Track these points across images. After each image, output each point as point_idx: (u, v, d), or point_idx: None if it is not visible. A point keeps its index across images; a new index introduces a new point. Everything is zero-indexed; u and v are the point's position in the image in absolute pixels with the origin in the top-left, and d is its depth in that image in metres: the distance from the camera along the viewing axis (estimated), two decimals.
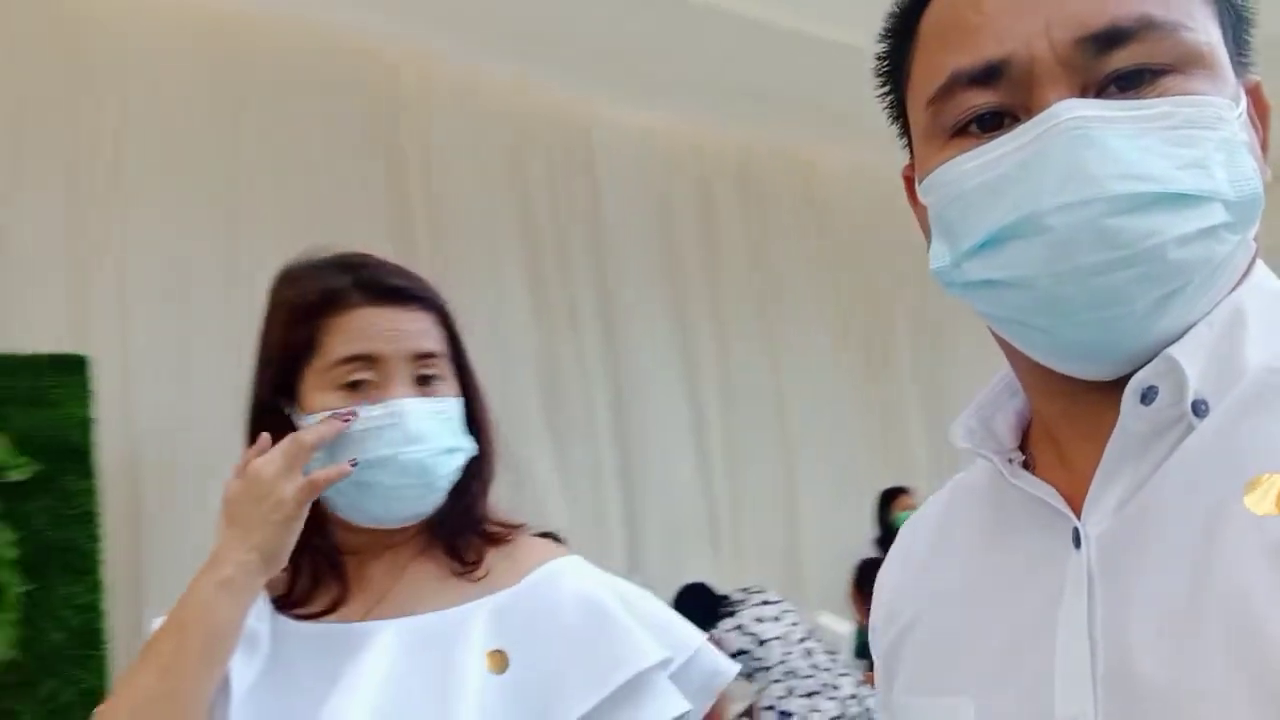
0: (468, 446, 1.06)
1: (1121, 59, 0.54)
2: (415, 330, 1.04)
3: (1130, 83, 0.54)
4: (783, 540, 5.05)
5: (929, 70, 0.61)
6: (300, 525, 0.96)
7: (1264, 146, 0.59)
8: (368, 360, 1.01)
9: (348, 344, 1.01)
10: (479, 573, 1.06)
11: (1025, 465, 0.65)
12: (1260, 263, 0.59)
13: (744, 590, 3.75)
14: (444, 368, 1.06)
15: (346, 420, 0.98)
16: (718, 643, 2.93)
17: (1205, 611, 0.49)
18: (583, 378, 4.50)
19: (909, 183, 0.70)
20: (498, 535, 1.10)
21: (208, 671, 0.91)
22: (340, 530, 1.06)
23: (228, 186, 3.60)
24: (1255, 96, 0.59)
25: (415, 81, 4.16)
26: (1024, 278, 0.54)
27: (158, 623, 0.96)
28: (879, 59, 0.69)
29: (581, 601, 1.04)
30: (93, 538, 2.96)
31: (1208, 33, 0.56)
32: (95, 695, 2.54)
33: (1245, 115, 0.57)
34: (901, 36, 0.66)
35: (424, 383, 1.04)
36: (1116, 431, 0.56)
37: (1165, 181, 0.51)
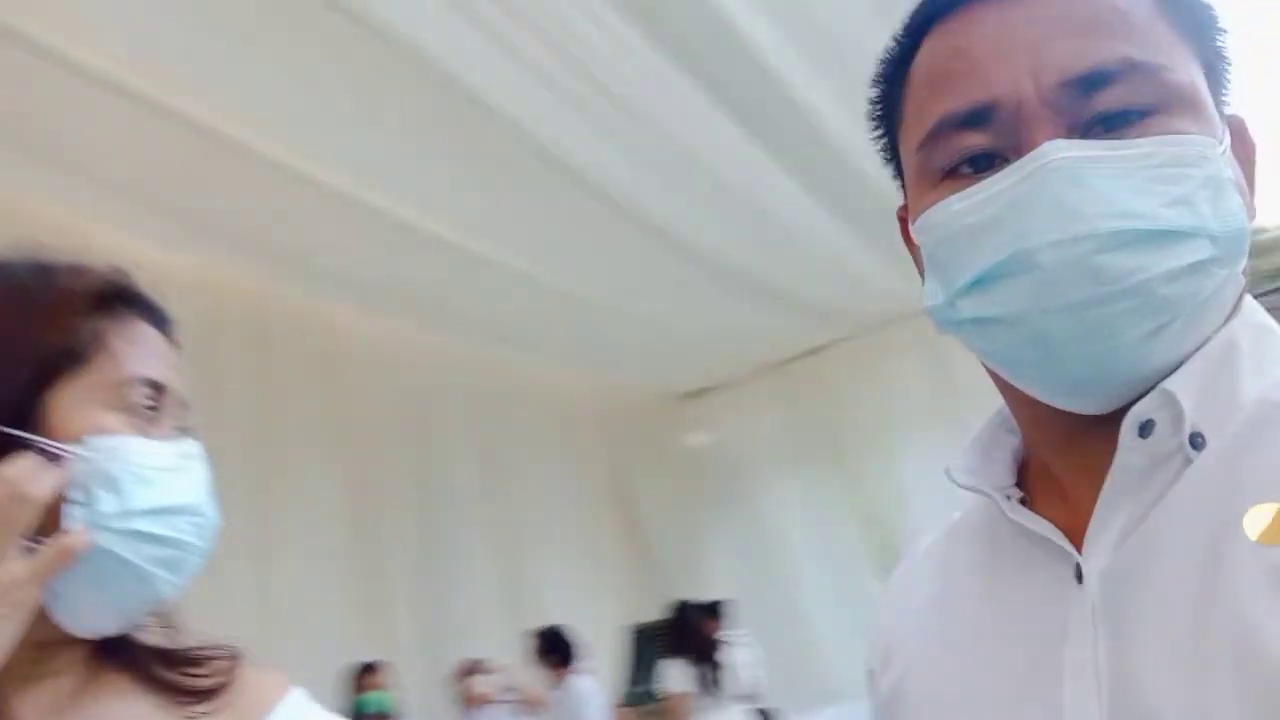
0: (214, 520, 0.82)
1: (1106, 101, 0.55)
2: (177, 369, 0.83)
3: (1115, 123, 0.55)
4: None
5: (919, 115, 0.62)
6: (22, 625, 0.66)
7: (1249, 182, 0.60)
8: (156, 389, 0.79)
9: (142, 361, 0.79)
10: (204, 684, 0.81)
11: (1023, 502, 0.64)
12: (1249, 297, 0.60)
13: None
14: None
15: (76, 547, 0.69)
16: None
17: (1211, 644, 0.48)
18: None
19: (903, 223, 0.70)
20: (212, 659, 0.85)
21: None
22: None
23: None
24: (1240, 133, 0.60)
25: None
26: (1014, 314, 0.55)
27: None
28: (872, 104, 0.70)
29: None
30: None
31: (1189, 73, 0.57)
32: None
33: (1229, 151, 0.58)
34: (892, 83, 0.67)
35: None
36: (1115, 465, 0.56)
37: (1152, 218, 0.52)
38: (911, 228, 0.64)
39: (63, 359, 0.75)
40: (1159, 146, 0.54)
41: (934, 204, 0.60)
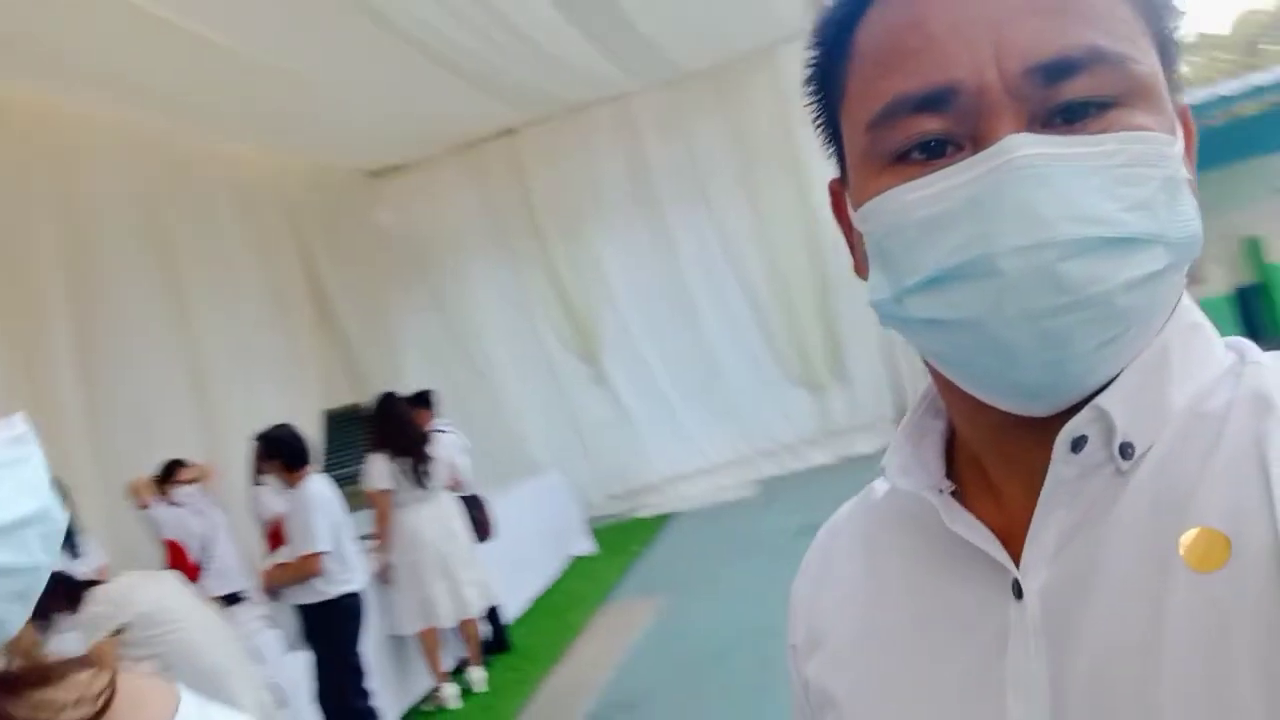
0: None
1: (1070, 91, 0.53)
2: None
3: (1077, 114, 0.53)
4: None
5: (868, 92, 0.58)
6: None
7: (1190, 169, 0.59)
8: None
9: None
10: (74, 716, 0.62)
11: (955, 494, 0.64)
12: (1185, 295, 0.59)
13: None
14: None
15: None
16: None
17: (1161, 676, 0.49)
18: None
19: (835, 195, 0.66)
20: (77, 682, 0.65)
21: None
22: None
23: None
24: (1184, 122, 0.59)
25: None
26: (971, 319, 0.53)
27: None
28: (808, 65, 0.64)
29: None
30: None
31: (1150, 63, 0.55)
32: None
33: (1183, 150, 0.57)
34: (834, 47, 0.61)
35: None
36: (1049, 480, 0.56)
37: (1114, 225, 0.51)
38: (854, 212, 0.61)
39: None
40: (1123, 144, 0.53)
41: (883, 191, 0.57)
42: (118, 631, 3.32)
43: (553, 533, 7.53)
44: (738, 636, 5.00)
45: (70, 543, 4.28)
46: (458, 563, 5.06)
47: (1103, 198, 0.51)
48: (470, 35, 6.13)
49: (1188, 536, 0.51)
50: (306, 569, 4.17)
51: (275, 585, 4.28)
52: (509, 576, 6.06)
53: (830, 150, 0.66)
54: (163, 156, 6.31)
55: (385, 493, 4.99)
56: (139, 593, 3.49)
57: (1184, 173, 0.55)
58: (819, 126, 0.66)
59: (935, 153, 0.55)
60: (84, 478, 4.80)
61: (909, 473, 0.65)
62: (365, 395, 6.13)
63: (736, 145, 8.72)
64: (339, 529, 4.29)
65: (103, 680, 0.67)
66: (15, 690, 0.65)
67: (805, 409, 8.98)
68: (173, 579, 3.79)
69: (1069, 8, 0.53)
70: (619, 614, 6.11)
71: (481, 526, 5.58)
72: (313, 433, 5.56)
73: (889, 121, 0.56)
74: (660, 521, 8.40)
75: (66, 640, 3.48)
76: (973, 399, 0.58)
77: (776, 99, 8.46)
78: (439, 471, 5.13)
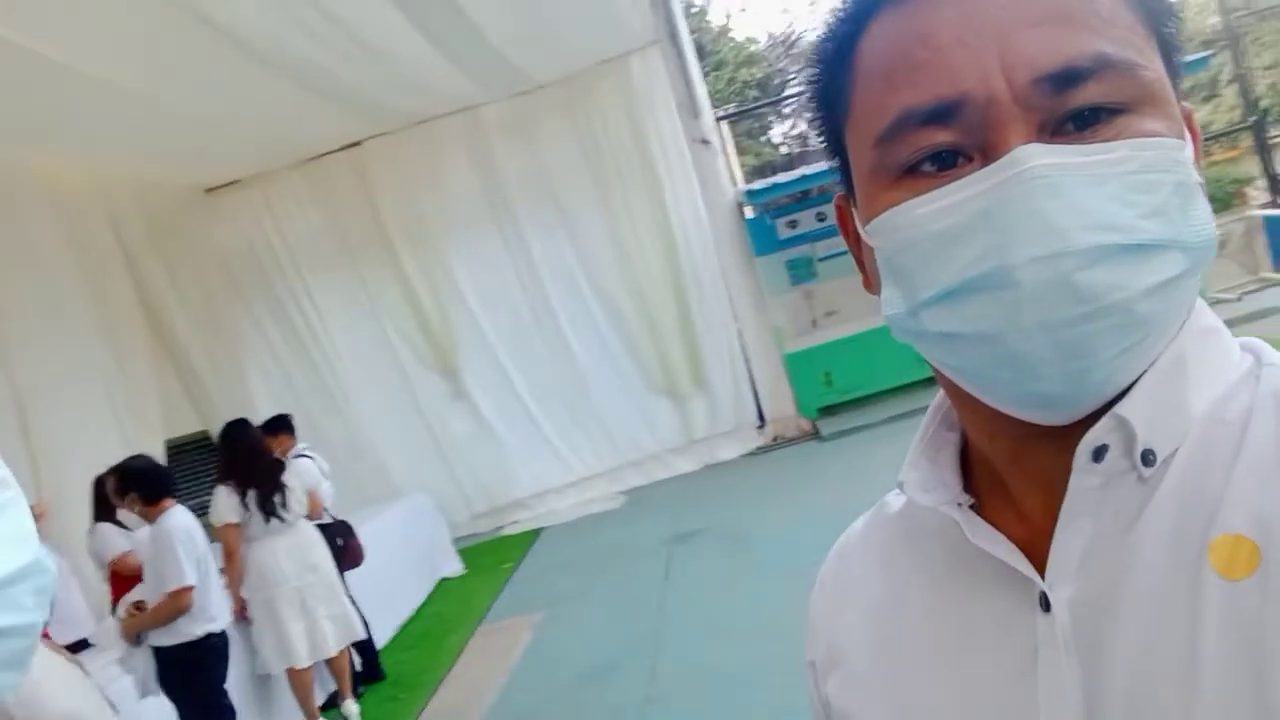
0: None
1: (1079, 99, 0.53)
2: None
3: (1086, 122, 0.53)
4: None
5: (875, 107, 0.57)
6: None
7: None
8: None
9: None
10: None
11: (973, 507, 0.63)
12: (1200, 300, 0.59)
13: None
14: None
15: None
16: None
17: (1200, 686, 0.49)
18: None
19: (841, 213, 0.65)
20: None
21: None
22: None
23: None
24: (1189, 123, 0.59)
25: None
26: (989, 332, 0.53)
27: None
28: (810, 84, 0.63)
29: None
30: None
31: (1157, 68, 0.55)
32: None
33: (1192, 154, 0.56)
34: (835, 63, 0.60)
35: None
36: (1071, 489, 0.56)
37: (1131, 231, 0.51)
38: (864, 228, 0.61)
39: None
40: (1134, 151, 0.52)
41: (894, 205, 0.56)
42: None
43: (421, 556, 7.30)
44: (620, 648, 4.99)
45: None
46: (316, 598, 4.78)
47: (1117, 205, 0.51)
48: (313, 45, 5.90)
49: (1216, 544, 0.51)
50: (175, 606, 3.84)
51: (138, 629, 3.89)
52: (378, 603, 5.82)
53: (834, 165, 0.65)
54: None
55: (232, 526, 4.67)
56: None
57: (1195, 177, 0.56)
58: (822, 142, 0.66)
59: (945, 165, 0.55)
60: None
61: (929, 489, 0.64)
62: (213, 423, 5.79)
63: (589, 155, 8.72)
64: (204, 562, 3.98)
65: None
66: None
67: (668, 419, 9.06)
68: None
69: (1074, 16, 0.53)
70: (496, 634, 5.97)
71: (349, 554, 5.34)
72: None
73: (897, 136, 0.56)
74: (529, 537, 8.28)
75: None
76: (990, 411, 0.58)
77: (628, 109, 8.53)
78: (295, 501, 4.83)
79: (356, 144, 8.75)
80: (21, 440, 5.65)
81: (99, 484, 4.20)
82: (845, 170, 0.64)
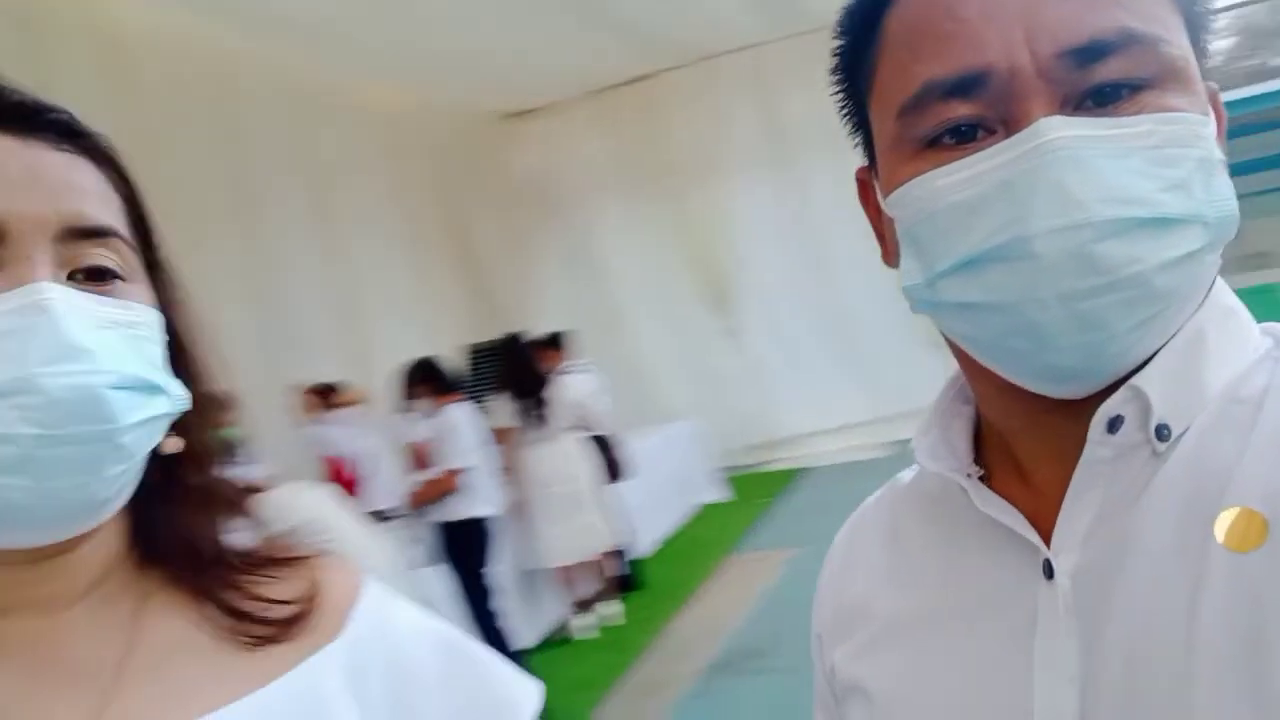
0: (175, 391, 0.62)
1: (1103, 73, 0.52)
2: (72, 185, 0.59)
3: (1109, 97, 0.53)
4: None
5: (899, 77, 0.57)
6: None
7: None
8: None
9: None
10: (286, 614, 0.66)
11: (982, 479, 0.63)
12: (1219, 279, 0.59)
13: None
14: (128, 259, 0.62)
15: None
16: None
17: (1196, 656, 0.49)
18: None
19: (864, 185, 0.66)
20: (283, 558, 0.71)
21: None
22: None
23: None
24: (1213, 102, 0.58)
25: None
26: (1006, 302, 0.53)
27: None
28: (835, 54, 0.64)
29: (431, 645, 0.74)
30: None
31: (1181, 45, 0.55)
32: None
33: (1215, 131, 0.56)
34: (862, 34, 0.61)
35: (94, 278, 0.59)
36: (1084, 460, 0.55)
37: (1151, 205, 0.51)
38: (884, 199, 0.61)
39: None
40: (1157, 125, 0.52)
41: (915, 177, 0.56)
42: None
43: (685, 478, 7.53)
44: None
45: (239, 450, 4.53)
46: (575, 505, 5.10)
47: (1139, 178, 0.51)
48: None
49: (1225, 517, 0.51)
50: (447, 485, 4.35)
51: (421, 502, 4.46)
52: (642, 518, 6.09)
53: (856, 138, 0.66)
54: (314, 93, 6.46)
55: (506, 430, 5.10)
56: (300, 500, 3.63)
57: (1218, 153, 0.55)
58: (845, 114, 0.66)
59: (967, 137, 0.55)
60: (251, 391, 4.99)
61: (938, 456, 0.65)
62: (511, 331, 6.19)
63: None
64: (479, 454, 4.46)
65: (313, 579, 0.71)
66: (243, 585, 0.69)
67: (941, 372, 8.61)
68: (328, 492, 3.94)
69: None
70: (749, 563, 6.05)
71: (616, 467, 5.58)
72: (456, 366, 5.70)
73: (920, 107, 0.56)
74: (790, 475, 8.28)
75: (233, 540, 3.65)
76: (1004, 383, 0.58)
77: None
78: (559, 413, 5.15)
79: (644, 78, 8.93)
80: (349, 333, 6.38)
81: (405, 375, 4.64)
82: (868, 142, 0.64)
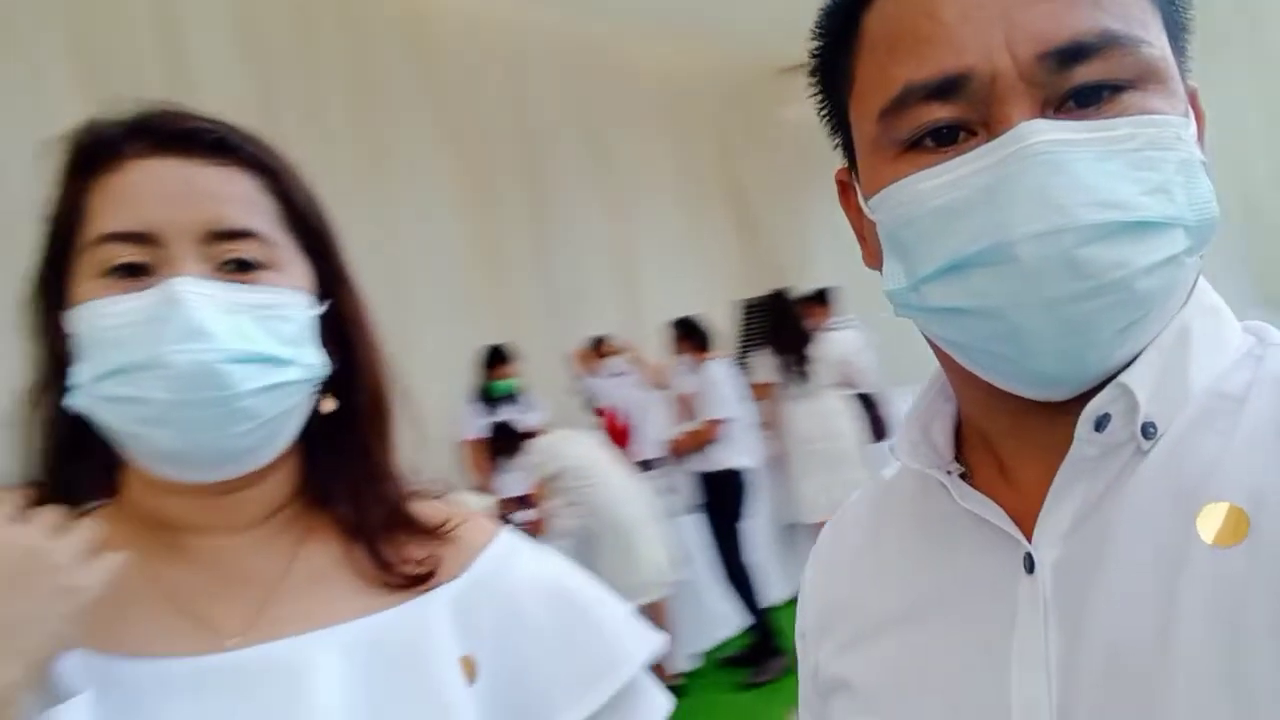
0: (308, 361, 0.75)
1: (1083, 75, 0.53)
2: (218, 194, 0.72)
3: (1089, 98, 0.53)
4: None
5: (879, 80, 0.57)
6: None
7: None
8: (137, 238, 0.70)
9: (113, 213, 0.70)
10: (416, 571, 0.79)
11: (963, 476, 0.64)
12: (1201, 278, 0.59)
13: None
14: (273, 253, 0.74)
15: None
16: None
17: (1174, 649, 0.49)
18: None
19: (843, 186, 0.67)
20: (428, 524, 0.83)
21: None
22: (160, 496, 0.74)
23: None
24: (1192, 103, 0.58)
25: None
26: (990, 307, 0.53)
27: None
28: (813, 56, 0.65)
29: (545, 592, 0.83)
30: None
31: (1161, 46, 0.55)
32: None
33: (1196, 132, 0.56)
34: (840, 36, 0.61)
35: (240, 269, 0.73)
36: (1069, 457, 0.56)
37: (1133, 209, 0.51)
38: (866, 202, 0.60)
39: (59, 237, 0.73)
40: (1138, 128, 0.52)
41: (896, 179, 0.56)
42: (552, 477, 3.83)
43: None
44: None
45: (519, 398, 4.98)
46: (834, 462, 5.07)
47: (1120, 181, 0.51)
48: None
49: (1206, 512, 0.51)
50: (707, 435, 4.59)
51: (683, 450, 4.74)
52: None
53: (836, 140, 0.66)
54: (598, 59, 6.80)
55: (767, 385, 5.18)
56: (569, 446, 3.99)
57: (1198, 155, 0.55)
58: (824, 115, 0.66)
59: (948, 139, 0.55)
60: (532, 343, 5.46)
61: (919, 453, 0.65)
62: (780, 286, 6.27)
63: None
64: (737, 406, 4.67)
65: (449, 530, 0.82)
66: (392, 535, 0.80)
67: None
68: (594, 439, 4.27)
69: None
70: None
71: (877, 425, 5.51)
72: (726, 322, 5.87)
73: (900, 109, 0.55)
74: None
75: (510, 479, 4.08)
76: (987, 386, 0.58)
77: None
78: (822, 370, 5.16)
79: None
80: (624, 290, 6.75)
81: (670, 331, 4.93)
82: (848, 144, 0.64)
